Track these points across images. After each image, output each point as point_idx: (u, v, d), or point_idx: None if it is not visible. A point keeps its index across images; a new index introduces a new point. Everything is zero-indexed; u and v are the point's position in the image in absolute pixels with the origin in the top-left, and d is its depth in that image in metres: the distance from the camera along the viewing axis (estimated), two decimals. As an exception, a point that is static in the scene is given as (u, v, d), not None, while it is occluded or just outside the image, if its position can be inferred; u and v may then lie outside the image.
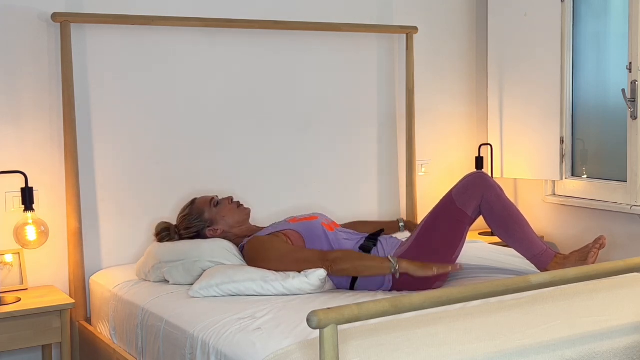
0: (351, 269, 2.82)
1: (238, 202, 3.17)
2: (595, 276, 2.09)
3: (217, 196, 3.17)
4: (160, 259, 3.05)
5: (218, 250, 3.02)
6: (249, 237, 3.09)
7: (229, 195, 3.30)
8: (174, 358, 2.59)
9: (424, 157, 4.23)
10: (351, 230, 3.18)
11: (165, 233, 3.16)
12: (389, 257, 2.80)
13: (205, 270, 2.95)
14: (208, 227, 3.11)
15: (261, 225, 3.31)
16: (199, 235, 3.12)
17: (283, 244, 2.95)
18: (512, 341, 2.09)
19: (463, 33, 4.33)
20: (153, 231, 3.24)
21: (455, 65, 4.32)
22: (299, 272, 2.84)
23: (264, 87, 3.76)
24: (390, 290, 2.88)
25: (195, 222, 3.12)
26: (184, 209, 3.20)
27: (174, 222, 3.23)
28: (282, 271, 2.85)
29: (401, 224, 3.40)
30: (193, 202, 3.19)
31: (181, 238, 3.14)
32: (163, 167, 3.52)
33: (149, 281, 3.10)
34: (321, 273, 2.79)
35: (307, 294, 2.80)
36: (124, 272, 3.25)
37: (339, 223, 3.32)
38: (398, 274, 2.77)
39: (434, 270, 2.76)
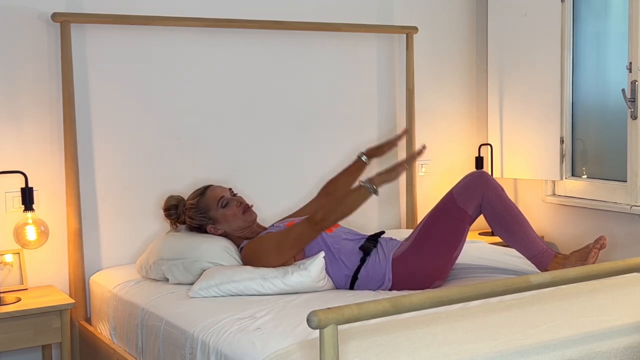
0: (339, 215, 2.84)
1: (246, 206, 3.13)
2: (595, 276, 2.09)
3: (230, 190, 3.15)
4: (161, 255, 3.06)
5: (217, 251, 3.02)
6: (249, 239, 3.09)
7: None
8: (174, 358, 2.59)
9: (424, 157, 4.21)
10: (351, 230, 3.17)
11: (173, 211, 3.17)
12: (360, 182, 2.83)
13: (204, 271, 2.95)
14: (211, 224, 3.11)
15: (262, 225, 3.30)
16: (201, 228, 3.13)
17: (273, 234, 2.97)
18: (512, 341, 2.09)
19: (463, 33, 4.33)
20: (162, 205, 3.23)
21: (455, 65, 4.32)
22: (296, 257, 2.89)
23: (264, 87, 3.76)
24: (390, 290, 2.88)
25: (199, 216, 3.11)
26: (194, 196, 3.15)
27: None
28: (285, 261, 2.88)
29: (363, 158, 3.40)
30: (204, 192, 3.14)
31: (184, 222, 3.16)
32: (163, 167, 3.52)
33: (149, 280, 3.10)
34: (319, 261, 2.80)
35: (308, 292, 2.80)
36: (124, 272, 3.25)
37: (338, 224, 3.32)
38: (377, 192, 2.80)
39: (404, 165, 2.83)
